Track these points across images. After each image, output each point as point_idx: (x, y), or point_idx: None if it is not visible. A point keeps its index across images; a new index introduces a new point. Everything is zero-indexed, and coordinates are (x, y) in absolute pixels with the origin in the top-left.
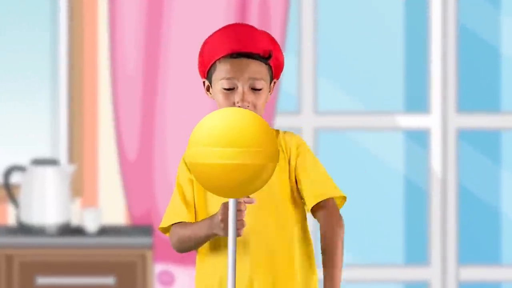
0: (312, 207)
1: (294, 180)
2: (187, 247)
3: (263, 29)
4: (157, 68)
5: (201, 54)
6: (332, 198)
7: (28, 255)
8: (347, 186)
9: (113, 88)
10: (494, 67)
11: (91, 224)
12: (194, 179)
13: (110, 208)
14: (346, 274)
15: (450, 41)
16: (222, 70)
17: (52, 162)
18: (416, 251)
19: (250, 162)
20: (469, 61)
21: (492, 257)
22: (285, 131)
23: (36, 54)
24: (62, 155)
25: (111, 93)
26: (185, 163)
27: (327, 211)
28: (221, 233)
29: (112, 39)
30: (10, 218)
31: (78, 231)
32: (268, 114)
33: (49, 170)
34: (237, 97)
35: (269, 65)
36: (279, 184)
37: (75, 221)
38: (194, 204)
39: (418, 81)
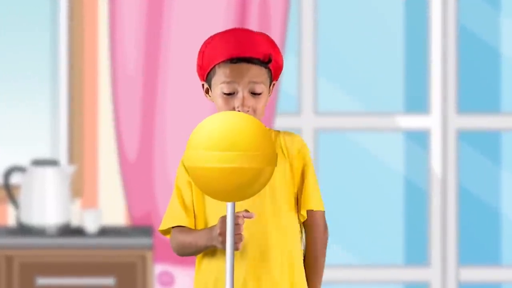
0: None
1: (298, 183)
2: (187, 253)
3: (263, 29)
4: (157, 68)
5: (200, 57)
6: (319, 210)
7: (28, 256)
8: (347, 187)
9: (113, 88)
10: (494, 67)
11: (91, 224)
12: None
13: (110, 208)
14: (346, 274)
15: (450, 42)
16: (222, 75)
17: (52, 162)
18: (416, 251)
19: (248, 165)
20: (469, 62)
21: (492, 258)
22: (285, 131)
23: (36, 54)
24: (62, 156)
25: (111, 93)
26: (184, 166)
27: (313, 222)
28: (219, 246)
29: (112, 39)
30: (10, 218)
31: (78, 231)
32: (268, 115)
33: (49, 171)
34: (237, 102)
35: (268, 68)
36: (281, 189)
37: (75, 222)
38: (193, 207)
39: (418, 82)
